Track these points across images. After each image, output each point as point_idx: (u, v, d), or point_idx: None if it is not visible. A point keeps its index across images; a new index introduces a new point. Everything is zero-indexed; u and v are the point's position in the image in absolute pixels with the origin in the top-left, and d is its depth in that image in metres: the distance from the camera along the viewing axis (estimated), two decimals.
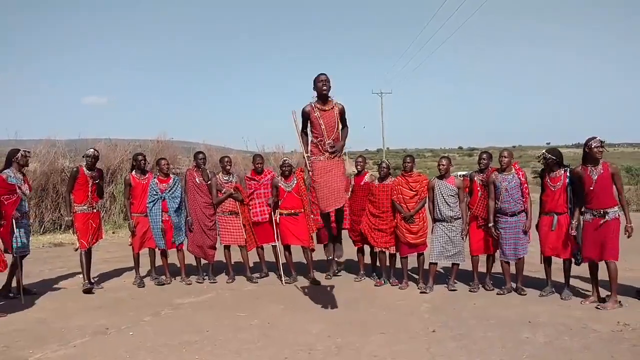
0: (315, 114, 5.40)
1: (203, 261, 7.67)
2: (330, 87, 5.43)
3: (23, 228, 6.59)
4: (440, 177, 6.81)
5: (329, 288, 6.96)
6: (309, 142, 5.58)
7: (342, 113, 5.53)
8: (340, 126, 5.52)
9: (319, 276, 7.54)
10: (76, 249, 6.96)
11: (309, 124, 5.54)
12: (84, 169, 7.01)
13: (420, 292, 6.71)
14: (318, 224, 7.23)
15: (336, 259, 6.18)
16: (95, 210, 7.14)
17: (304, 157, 5.72)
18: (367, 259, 7.56)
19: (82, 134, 15.58)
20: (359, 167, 7.49)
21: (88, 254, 7.02)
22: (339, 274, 7.81)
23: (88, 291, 6.82)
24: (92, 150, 7.17)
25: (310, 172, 5.60)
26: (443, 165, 6.80)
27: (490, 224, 6.52)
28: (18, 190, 6.44)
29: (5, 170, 6.53)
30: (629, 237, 5.73)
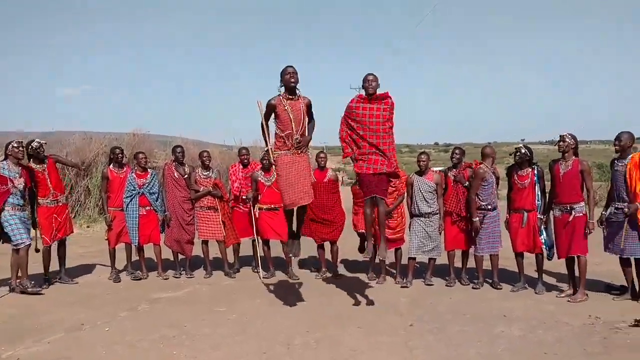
0: (284, 107, 5.25)
1: (180, 256, 7.62)
2: (298, 79, 5.31)
3: (18, 220, 6.39)
4: (419, 173, 6.86)
5: (307, 283, 6.98)
6: (274, 135, 5.47)
7: (309, 106, 5.44)
8: (307, 120, 5.42)
9: (298, 271, 7.57)
10: (37, 250, 6.71)
11: (274, 117, 5.40)
12: (31, 163, 6.78)
13: (401, 287, 6.76)
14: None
15: (293, 257, 6.16)
16: (60, 204, 6.95)
17: (266, 150, 5.65)
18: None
19: (56, 126, 15.30)
20: (321, 162, 7.41)
21: (47, 251, 6.88)
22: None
23: (35, 293, 6.42)
24: (37, 141, 6.79)
25: (274, 166, 5.51)
26: (423, 161, 6.84)
27: (475, 219, 6.57)
28: (9, 184, 6.31)
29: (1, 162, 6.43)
30: (588, 233, 5.88)
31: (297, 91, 5.36)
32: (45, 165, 6.81)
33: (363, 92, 5.42)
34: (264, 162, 7.34)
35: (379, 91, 5.33)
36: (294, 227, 5.89)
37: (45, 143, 6.94)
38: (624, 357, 4.25)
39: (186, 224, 7.38)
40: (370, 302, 5.97)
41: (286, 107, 5.24)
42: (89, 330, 5.16)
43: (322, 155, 7.52)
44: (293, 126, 5.26)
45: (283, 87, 5.35)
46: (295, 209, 5.58)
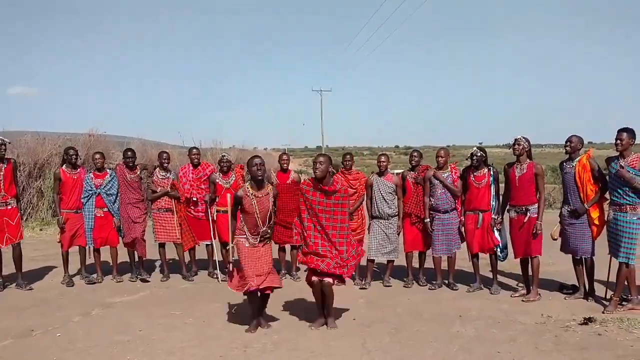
0: (250, 200, 5.03)
1: (136, 259, 7.46)
2: (265, 170, 5.17)
3: None
4: (379, 174, 6.92)
5: None
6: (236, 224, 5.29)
7: (276, 198, 5.28)
8: (272, 212, 5.24)
9: None
10: None
11: (240, 209, 5.18)
12: None
13: (360, 288, 6.80)
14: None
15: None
16: (10, 207, 6.70)
17: (232, 245, 5.40)
18: None
19: (6, 126, 14.75)
20: (284, 165, 7.37)
21: None
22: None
23: None
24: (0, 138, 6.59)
25: (233, 258, 5.43)
26: (383, 162, 6.90)
27: (426, 220, 6.69)
28: None
29: None
30: (534, 234, 6.01)
31: (265, 183, 5.21)
32: (4, 166, 6.60)
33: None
34: (223, 165, 7.29)
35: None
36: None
37: (9, 142, 6.71)
38: (574, 354, 4.37)
39: (135, 221, 7.22)
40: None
41: (252, 202, 5.04)
42: (39, 336, 5.00)
43: (284, 157, 7.48)
44: (259, 220, 5.08)
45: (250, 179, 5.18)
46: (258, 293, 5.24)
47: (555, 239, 6.32)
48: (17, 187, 6.92)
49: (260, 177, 5.07)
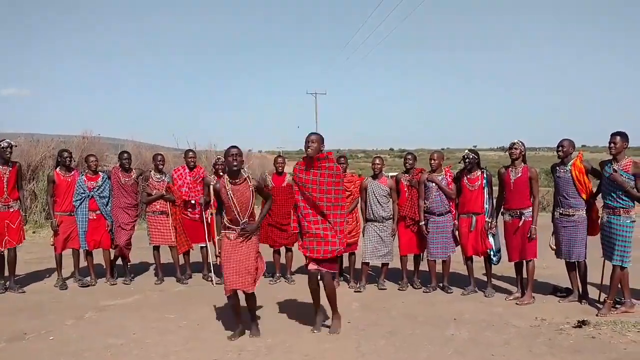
0: (226, 192, 4.88)
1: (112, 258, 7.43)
2: (242, 161, 5.01)
3: None
4: (374, 177, 6.92)
5: (260, 288, 6.90)
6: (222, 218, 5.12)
7: (259, 189, 5.10)
8: (254, 203, 5.05)
9: None
10: None
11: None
12: None
13: (355, 291, 6.80)
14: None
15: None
16: (12, 210, 6.71)
17: (218, 238, 5.25)
18: None
19: None
20: (279, 168, 7.32)
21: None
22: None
23: None
24: (6, 141, 6.61)
25: (218, 251, 5.21)
26: (377, 164, 6.91)
27: (422, 223, 6.70)
28: None
29: None
30: (530, 238, 6.04)
31: (244, 173, 5.04)
32: (9, 169, 6.60)
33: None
34: (218, 168, 7.28)
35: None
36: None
37: (16, 145, 6.72)
38: (568, 357, 4.38)
39: (123, 227, 7.20)
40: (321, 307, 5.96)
41: (229, 192, 4.87)
42: (32, 339, 4.97)
43: (280, 160, 7.44)
44: (237, 211, 4.90)
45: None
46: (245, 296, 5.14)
47: (555, 249, 6.32)
48: (21, 190, 6.92)
49: (235, 168, 4.90)
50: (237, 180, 4.93)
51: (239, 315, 5.10)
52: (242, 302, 5.13)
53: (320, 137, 5.03)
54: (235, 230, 4.95)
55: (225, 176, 4.98)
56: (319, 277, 5.05)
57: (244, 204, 4.94)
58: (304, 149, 5.02)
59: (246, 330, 5.08)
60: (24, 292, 6.83)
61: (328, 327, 5.17)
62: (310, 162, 4.98)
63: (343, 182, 5.16)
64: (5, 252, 6.75)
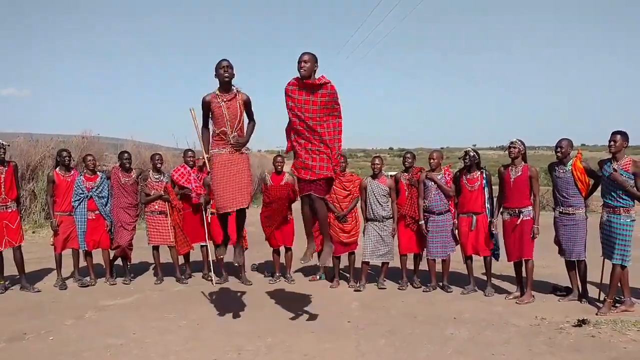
0: (218, 104, 4.91)
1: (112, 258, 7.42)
2: (233, 74, 4.95)
3: None
4: (373, 177, 6.92)
5: (260, 288, 6.93)
6: (210, 135, 5.09)
7: (247, 104, 5.08)
8: (244, 118, 5.09)
9: (251, 276, 7.52)
10: None
11: (210, 116, 5.03)
12: None
13: (355, 291, 6.80)
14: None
15: (235, 264, 5.89)
16: (10, 210, 6.68)
17: (202, 157, 5.31)
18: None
19: None
20: (279, 167, 7.32)
21: None
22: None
23: None
24: None
25: (209, 169, 5.12)
26: (377, 164, 6.92)
27: (421, 222, 6.70)
28: None
29: None
30: (533, 237, 6.05)
31: (233, 87, 5.02)
32: (4, 169, 6.58)
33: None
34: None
35: (318, 75, 4.81)
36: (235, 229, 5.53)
37: (9, 145, 6.68)
38: (568, 356, 4.39)
39: (125, 227, 7.20)
40: (322, 307, 5.97)
41: (221, 104, 4.91)
42: (32, 340, 4.95)
43: (279, 159, 7.41)
44: (228, 124, 4.93)
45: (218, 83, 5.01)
46: (235, 212, 5.15)
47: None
48: (18, 190, 6.91)
49: (227, 79, 4.92)
50: (227, 94, 4.95)
51: (228, 238, 5.25)
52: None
53: (314, 56, 4.77)
54: (226, 146, 4.95)
55: (217, 90, 4.99)
56: (310, 201, 4.92)
57: (234, 116, 4.95)
58: (296, 70, 4.77)
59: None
60: (39, 291, 6.83)
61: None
62: (304, 84, 4.75)
63: (339, 105, 4.89)
64: (11, 253, 6.75)
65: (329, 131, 4.83)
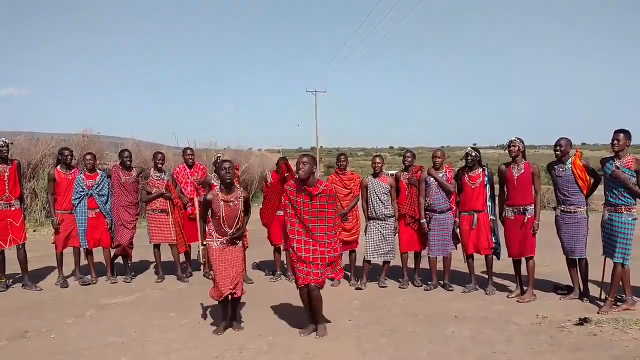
0: (220, 204, 4.99)
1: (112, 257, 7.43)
2: (234, 174, 5.16)
3: None
4: (374, 176, 6.92)
5: (261, 286, 6.93)
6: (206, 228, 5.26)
7: (246, 202, 5.22)
8: (242, 215, 5.17)
9: (252, 274, 7.51)
10: None
11: (209, 211, 5.13)
12: None
13: (355, 289, 6.80)
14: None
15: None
16: (13, 208, 6.70)
17: (203, 247, 5.48)
18: None
19: None
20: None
21: (1, 255, 6.71)
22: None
23: None
24: (2, 140, 6.58)
25: (203, 259, 5.50)
26: (378, 163, 6.92)
27: (423, 220, 6.70)
28: None
29: None
30: (533, 233, 6.05)
31: (235, 187, 5.17)
32: (8, 167, 6.58)
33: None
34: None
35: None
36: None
37: (12, 143, 6.70)
38: (569, 355, 4.38)
39: (125, 226, 7.21)
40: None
41: (221, 206, 5.00)
42: (33, 338, 4.96)
43: (281, 161, 7.42)
44: (225, 225, 5.04)
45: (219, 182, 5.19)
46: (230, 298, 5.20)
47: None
48: (22, 188, 6.91)
49: (228, 181, 5.03)
50: (229, 196, 5.04)
51: (227, 314, 5.21)
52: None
53: (313, 159, 4.99)
54: (223, 238, 5.08)
55: (218, 189, 5.08)
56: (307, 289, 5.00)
57: (232, 216, 5.05)
58: (295, 169, 4.95)
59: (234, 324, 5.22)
60: (41, 289, 6.83)
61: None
62: (302, 188, 4.91)
63: (335, 203, 5.08)
64: (12, 252, 6.75)
65: (327, 227, 4.93)
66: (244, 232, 5.32)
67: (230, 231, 5.06)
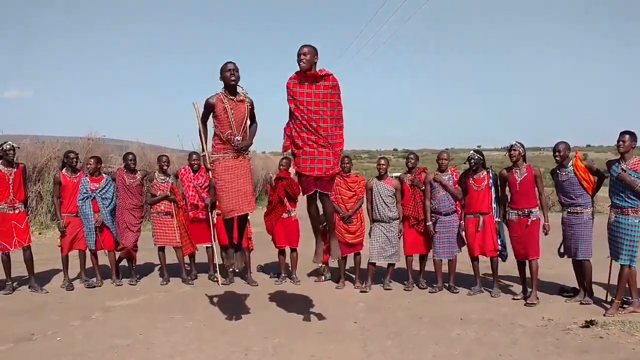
0: (223, 106, 4.82)
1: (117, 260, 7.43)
2: (239, 77, 4.89)
3: None
4: (379, 178, 6.91)
5: (266, 289, 6.93)
6: (211, 137, 5.06)
7: (253, 107, 5.05)
8: (249, 122, 5.04)
9: (257, 277, 7.52)
10: None
11: (211, 118, 4.97)
12: (0, 165, 6.57)
13: (360, 292, 6.80)
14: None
15: (236, 269, 5.73)
16: (17, 211, 6.71)
17: (202, 154, 5.27)
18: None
19: (4, 129, 14.78)
20: (284, 168, 7.20)
21: (7, 258, 6.72)
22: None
23: None
24: (9, 143, 6.62)
25: (211, 171, 5.04)
26: (382, 165, 6.91)
27: (428, 223, 6.69)
28: None
29: None
30: (546, 234, 6.06)
31: (240, 89, 4.97)
32: (14, 171, 6.62)
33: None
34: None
35: (318, 68, 4.69)
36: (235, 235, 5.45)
37: (19, 147, 6.76)
38: (575, 357, 4.36)
39: (130, 229, 7.21)
40: (327, 308, 5.96)
41: (226, 107, 4.83)
42: (39, 340, 4.97)
43: (284, 162, 7.41)
44: (234, 127, 4.87)
45: (223, 85, 4.94)
46: (235, 218, 5.11)
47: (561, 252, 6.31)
48: (27, 191, 6.94)
49: (233, 82, 4.86)
50: (234, 97, 4.90)
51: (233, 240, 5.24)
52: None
53: (314, 48, 4.64)
54: (228, 150, 4.90)
55: (222, 91, 4.92)
56: (317, 199, 4.90)
57: (240, 120, 4.90)
58: (296, 62, 4.64)
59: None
60: (47, 292, 6.85)
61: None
62: (305, 76, 4.65)
63: (341, 99, 4.79)
64: (18, 255, 6.78)
65: (331, 127, 4.75)
66: (251, 143, 5.08)
67: (238, 137, 4.87)
